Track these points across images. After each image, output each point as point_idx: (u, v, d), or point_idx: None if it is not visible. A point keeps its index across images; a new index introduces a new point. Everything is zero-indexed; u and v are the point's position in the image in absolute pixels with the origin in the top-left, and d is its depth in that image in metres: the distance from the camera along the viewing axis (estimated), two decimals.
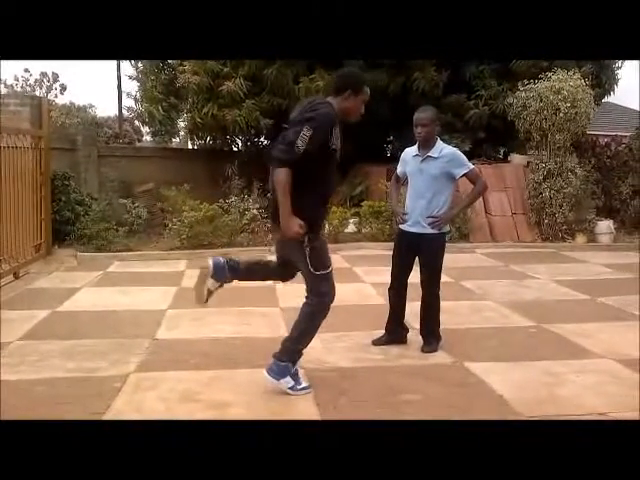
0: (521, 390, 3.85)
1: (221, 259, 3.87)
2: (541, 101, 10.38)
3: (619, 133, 14.95)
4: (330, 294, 3.76)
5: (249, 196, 10.41)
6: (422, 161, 4.49)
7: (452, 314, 5.75)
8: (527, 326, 5.41)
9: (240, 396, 3.75)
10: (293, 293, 6.66)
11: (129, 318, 5.64)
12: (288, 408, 3.59)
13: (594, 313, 5.91)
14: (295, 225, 3.47)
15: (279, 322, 5.49)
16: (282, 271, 4.01)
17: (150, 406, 3.60)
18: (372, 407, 3.60)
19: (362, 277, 7.61)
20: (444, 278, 7.48)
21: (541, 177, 10.69)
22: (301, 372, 3.97)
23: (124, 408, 3.56)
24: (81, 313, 5.87)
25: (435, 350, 4.62)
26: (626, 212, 11.69)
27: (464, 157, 4.55)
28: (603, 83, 12.06)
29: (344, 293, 6.72)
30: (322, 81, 10.29)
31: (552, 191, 10.56)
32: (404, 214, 4.64)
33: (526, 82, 10.65)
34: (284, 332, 5.17)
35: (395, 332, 4.78)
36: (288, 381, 3.75)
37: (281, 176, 3.42)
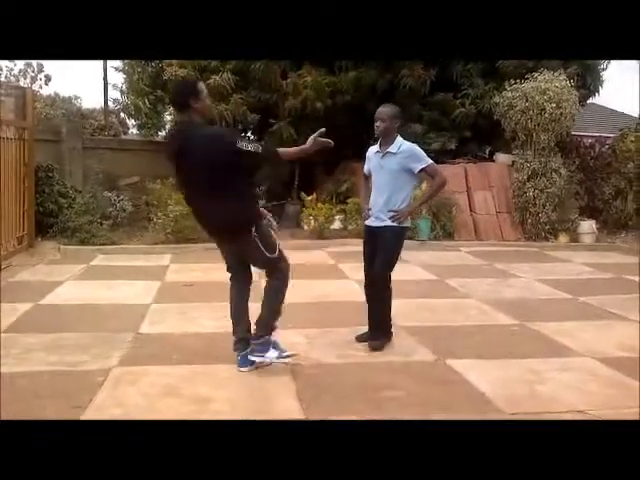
0: (503, 387, 3.89)
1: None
2: (527, 101, 10.45)
3: (603, 134, 15.11)
4: (286, 267, 4.05)
5: None
6: (382, 157, 4.55)
7: (435, 312, 5.79)
8: (510, 324, 5.45)
9: (222, 391, 3.75)
10: None
11: (112, 312, 5.61)
12: (270, 404, 3.59)
13: (576, 312, 5.97)
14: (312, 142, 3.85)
15: None
16: (241, 278, 4.21)
17: (132, 401, 3.59)
18: (354, 403, 3.61)
19: (347, 273, 7.62)
20: (428, 276, 7.57)
21: (525, 177, 10.77)
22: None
23: (106, 402, 3.55)
24: (64, 306, 5.83)
25: (381, 346, 4.56)
26: (608, 212, 11.81)
27: (422, 152, 4.56)
28: (588, 84, 12.14)
29: (329, 289, 6.76)
30: (310, 77, 10.27)
31: (536, 191, 10.65)
32: (368, 209, 4.67)
33: (512, 82, 10.72)
34: None
35: None
36: (273, 352, 3.94)
37: (279, 152, 3.94)
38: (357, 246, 10.05)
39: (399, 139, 4.56)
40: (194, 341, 4.77)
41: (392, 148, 4.51)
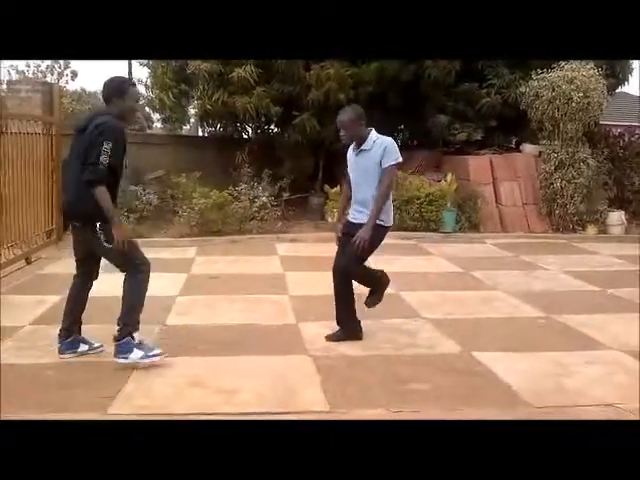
0: (529, 380, 3.86)
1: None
2: (553, 90, 10.29)
3: (633, 123, 14.82)
4: (144, 261, 4.04)
5: (259, 184, 10.42)
6: (357, 155, 4.48)
7: (461, 304, 5.76)
8: (536, 317, 5.39)
9: (248, 382, 3.77)
10: (302, 281, 6.70)
11: None
12: (295, 395, 3.61)
13: (604, 305, 5.88)
14: (124, 232, 3.90)
15: (288, 310, 5.51)
16: (87, 271, 4.22)
17: (159, 391, 3.64)
18: (379, 395, 3.61)
19: (370, 266, 7.59)
20: (454, 268, 7.53)
21: (553, 167, 10.61)
22: (148, 341, 4.08)
23: (134, 393, 3.60)
24: (91, 298, 5.86)
25: (339, 339, 4.51)
26: (638, 203, 11.59)
27: (396, 149, 4.39)
28: (617, 73, 11.89)
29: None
30: (332, 69, 10.23)
31: (564, 181, 10.49)
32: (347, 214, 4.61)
33: (539, 71, 10.55)
34: (292, 320, 5.21)
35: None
36: (137, 353, 3.89)
37: (101, 195, 3.75)
38: None
39: (372, 135, 4.43)
40: (220, 333, 4.81)
41: (366, 145, 4.41)
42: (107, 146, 3.71)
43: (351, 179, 4.59)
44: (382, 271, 4.78)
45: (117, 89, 3.98)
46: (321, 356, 4.27)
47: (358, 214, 4.49)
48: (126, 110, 4.02)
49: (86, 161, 3.77)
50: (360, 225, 4.38)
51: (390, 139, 4.45)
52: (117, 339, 3.94)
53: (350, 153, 4.62)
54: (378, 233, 4.39)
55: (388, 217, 4.50)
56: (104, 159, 3.72)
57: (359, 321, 4.66)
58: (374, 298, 4.65)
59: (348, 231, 4.51)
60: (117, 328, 3.96)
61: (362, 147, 4.43)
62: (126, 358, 3.89)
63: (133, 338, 3.92)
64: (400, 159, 4.43)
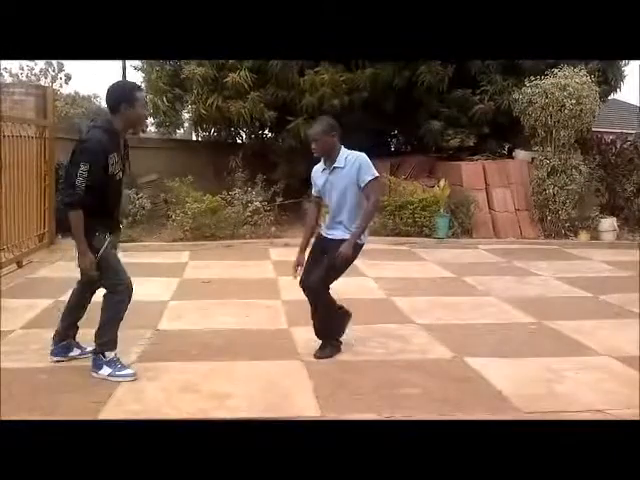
0: (520, 386, 3.87)
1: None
2: (546, 97, 10.35)
3: (624, 130, 14.91)
4: (124, 283, 3.96)
5: (252, 188, 10.42)
6: (330, 173, 4.31)
7: (453, 309, 5.77)
8: (528, 322, 5.41)
9: (240, 387, 3.77)
10: (295, 286, 6.70)
11: (131, 308, 5.59)
12: (287, 400, 3.61)
13: (595, 311, 5.91)
14: (88, 261, 3.76)
15: (280, 315, 5.51)
16: (86, 279, 4.09)
17: (151, 396, 3.63)
18: (371, 400, 3.62)
19: (364, 271, 7.61)
20: (446, 273, 7.55)
21: (545, 173, 10.67)
22: (126, 361, 4.05)
23: (125, 398, 3.59)
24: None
25: (328, 356, 4.34)
26: (630, 210, 11.66)
27: (370, 163, 4.26)
28: (609, 80, 11.98)
29: (345, 286, 6.74)
30: (327, 74, 10.26)
31: (556, 188, 10.55)
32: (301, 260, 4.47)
33: (532, 78, 10.62)
34: (285, 324, 5.21)
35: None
36: (105, 370, 3.88)
37: (74, 219, 3.66)
38: (374, 244, 10.02)
39: (343, 151, 4.30)
40: (213, 338, 4.80)
41: (338, 163, 4.27)
42: (84, 167, 3.59)
43: (329, 200, 4.40)
44: (342, 307, 4.57)
45: (127, 97, 3.74)
46: (313, 361, 4.27)
47: (334, 231, 4.35)
48: (136, 119, 3.86)
49: (65, 180, 3.74)
50: (336, 241, 4.23)
51: (362, 154, 4.29)
52: (93, 352, 3.98)
53: (319, 172, 4.43)
54: (354, 251, 4.26)
55: (365, 235, 4.39)
56: (80, 182, 3.59)
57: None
58: (325, 351, 4.39)
59: (322, 247, 4.39)
60: (95, 344, 3.98)
61: (335, 165, 4.28)
62: (97, 373, 3.91)
63: (104, 356, 3.91)
64: (377, 174, 4.30)
